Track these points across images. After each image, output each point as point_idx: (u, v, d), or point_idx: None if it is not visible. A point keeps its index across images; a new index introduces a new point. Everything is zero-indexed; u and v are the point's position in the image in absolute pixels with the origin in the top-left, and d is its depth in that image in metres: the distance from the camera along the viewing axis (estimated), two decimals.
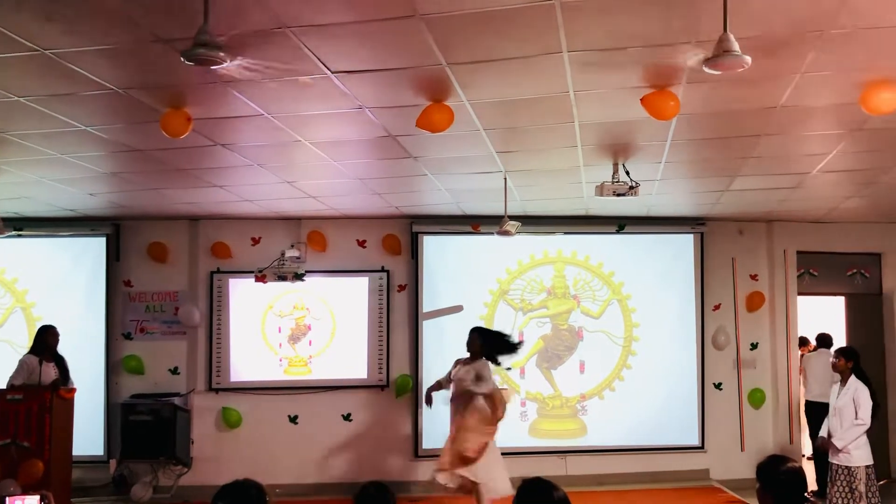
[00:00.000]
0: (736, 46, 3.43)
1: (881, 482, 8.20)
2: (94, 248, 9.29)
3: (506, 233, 7.71)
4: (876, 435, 7.59)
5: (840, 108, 5.23)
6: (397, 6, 3.63)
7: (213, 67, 3.63)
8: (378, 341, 9.42)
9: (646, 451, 9.44)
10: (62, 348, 7.99)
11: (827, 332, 9.57)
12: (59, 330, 8.01)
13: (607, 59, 4.33)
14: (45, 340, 7.76)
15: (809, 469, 10.11)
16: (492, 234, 8.18)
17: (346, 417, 9.40)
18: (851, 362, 6.80)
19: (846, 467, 6.67)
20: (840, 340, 9.58)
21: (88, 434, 8.69)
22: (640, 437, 9.45)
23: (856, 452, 6.64)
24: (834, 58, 4.32)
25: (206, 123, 5.40)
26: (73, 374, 7.95)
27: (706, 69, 3.56)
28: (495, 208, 8.09)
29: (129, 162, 6.59)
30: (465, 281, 9.53)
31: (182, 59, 3.48)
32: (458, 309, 9.49)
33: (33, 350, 7.77)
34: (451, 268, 9.53)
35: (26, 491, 6.36)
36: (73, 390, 7.76)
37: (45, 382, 7.47)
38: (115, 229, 9.30)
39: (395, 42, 4.08)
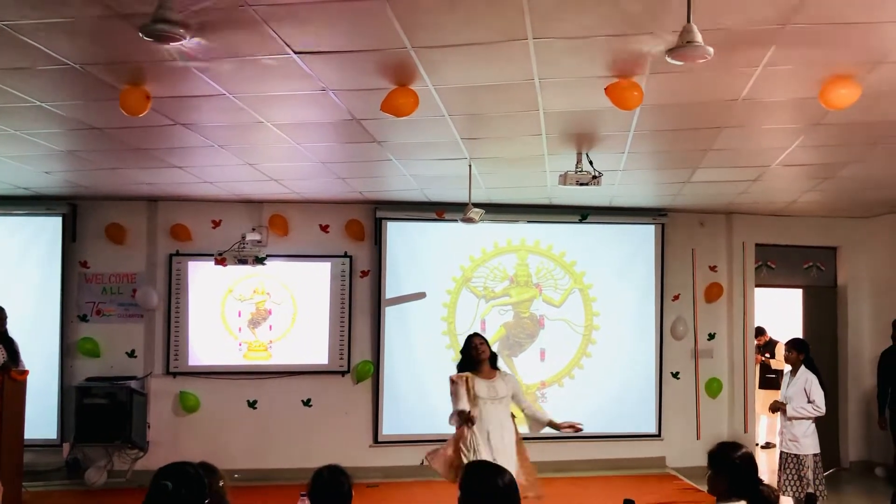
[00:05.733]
0: (699, 38, 3.45)
1: (831, 470, 8.43)
2: (49, 228, 9.08)
3: (470, 220, 7.70)
4: (826, 424, 7.79)
5: (800, 102, 5.30)
6: None
7: (172, 44, 3.55)
8: (339, 327, 9.38)
9: (604, 439, 9.54)
10: (16, 330, 7.81)
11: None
12: (13, 311, 7.82)
13: (572, 48, 4.34)
14: None
15: (762, 458, 10.37)
16: (456, 221, 8.18)
17: (306, 403, 9.35)
18: (803, 354, 6.98)
19: (795, 455, 6.84)
20: (797, 332, 9.78)
21: (41, 417, 8.51)
22: (599, 424, 9.51)
23: (805, 441, 6.82)
24: (794, 52, 4.38)
25: (166, 102, 5.29)
26: (26, 356, 7.78)
27: (669, 59, 3.58)
28: (460, 195, 8.09)
29: (86, 140, 6.44)
30: (428, 268, 9.52)
31: (141, 34, 3.41)
32: (421, 296, 9.49)
33: None
34: (415, 254, 9.52)
35: None
36: (25, 372, 7.59)
37: None
38: (71, 209, 9.11)
39: (360, 23, 4.03)
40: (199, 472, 2.79)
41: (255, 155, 6.98)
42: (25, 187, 8.42)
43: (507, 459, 5.78)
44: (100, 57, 4.51)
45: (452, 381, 5.98)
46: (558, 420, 6.15)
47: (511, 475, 2.97)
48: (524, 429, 6.24)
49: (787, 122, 5.89)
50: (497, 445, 5.80)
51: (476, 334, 6.27)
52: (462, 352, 6.20)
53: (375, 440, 9.36)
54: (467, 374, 5.95)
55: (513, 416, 6.09)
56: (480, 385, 5.90)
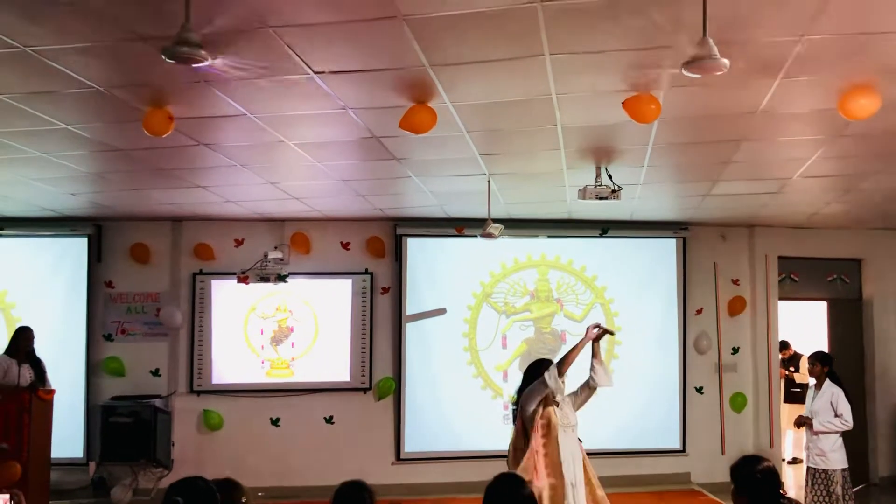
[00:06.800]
0: (715, 50, 3.46)
1: (860, 486, 8.29)
2: (75, 249, 9.22)
3: (489, 236, 7.72)
4: (855, 439, 7.67)
5: (819, 113, 5.28)
6: (379, 7, 3.64)
7: (194, 66, 3.62)
8: (361, 344, 9.41)
9: (627, 455, 9.45)
10: (42, 349, 7.92)
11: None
12: (40, 331, 7.94)
13: (589, 62, 4.36)
14: (18, 343, 7.69)
15: (789, 473, 10.22)
16: (475, 236, 8.19)
17: (329, 420, 9.37)
18: (827, 367, 6.88)
19: (823, 470, 6.73)
20: (821, 345, 9.67)
21: (68, 436, 8.61)
22: (622, 440, 9.47)
23: (832, 455, 6.71)
24: (813, 64, 4.37)
25: (189, 123, 5.38)
26: (52, 376, 7.89)
27: (685, 72, 3.59)
28: (479, 211, 8.11)
29: (111, 161, 6.55)
30: (448, 284, 9.54)
31: (163, 56, 3.47)
32: (441, 312, 9.50)
33: (8, 351, 7.70)
34: (435, 270, 9.54)
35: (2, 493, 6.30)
36: (52, 392, 7.70)
37: (21, 384, 7.41)
38: (96, 230, 9.25)
39: (378, 43, 4.09)
40: (211, 486, 2.82)
41: (276, 174, 7.06)
42: (52, 209, 8.56)
43: (579, 491, 5.48)
44: (124, 79, 4.61)
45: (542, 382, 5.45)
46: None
47: (531, 490, 2.98)
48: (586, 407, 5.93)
49: (808, 134, 5.86)
50: (570, 479, 5.45)
51: (551, 360, 5.83)
52: (530, 374, 5.74)
53: (398, 457, 9.35)
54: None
55: (580, 441, 5.74)
56: (555, 408, 5.54)
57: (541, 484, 5.30)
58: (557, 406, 5.55)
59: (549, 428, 5.41)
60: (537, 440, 5.43)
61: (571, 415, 5.66)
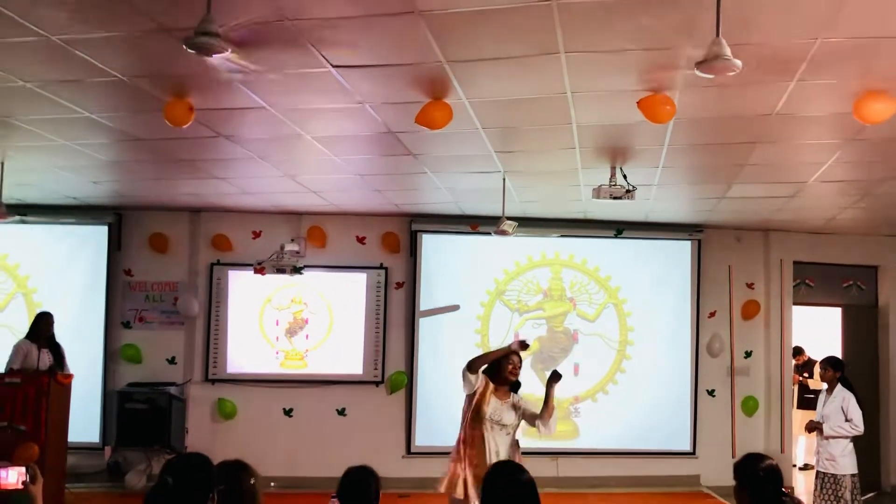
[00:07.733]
0: (727, 51, 3.49)
1: (870, 494, 8.25)
2: (95, 237, 9.36)
3: (503, 232, 7.76)
4: (867, 446, 7.64)
5: (835, 117, 5.28)
6: (397, 2, 3.70)
7: (214, 56, 3.69)
8: (374, 337, 9.49)
9: (637, 455, 9.48)
10: (61, 335, 8.05)
11: None
12: (59, 317, 8.07)
13: (604, 61, 4.39)
14: (39, 327, 7.82)
15: (800, 479, 10.17)
16: (490, 233, 8.24)
17: (341, 412, 9.46)
18: (839, 372, 6.87)
19: (832, 475, 6.72)
20: (835, 351, 9.63)
21: (84, 421, 8.75)
22: (632, 440, 9.49)
23: (842, 460, 6.69)
24: (829, 67, 4.38)
25: (209, 114, 5.46)
26: (71, 361, 8.00)
27: (698, 72, 3.62)
28: (494, 209, 8.15)
29: (132, 151, 6.66)
30: (462, 280, 9.59)
31: (184, 46, 3.55)
32: (454, 308, 9.55)
33: (29, 336, 7.84)
34: (450, 267, 9.59)
35: None
36: (70, 376, 7.81)
37: (40, 368, 7.54)
38: (117, 219, 9.38)
39: (396, 38, 4.15)
40: (207, 462, 2.80)
41: (294, 167, 7.14)
42: (74, 197, 8.70)
43: None
44: (146, 69, 4.70)
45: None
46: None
47: (529, 475, 3.01)
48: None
49: (824, 138, 5.86)
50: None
51: (517, 352, 5.53)
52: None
53: (408, 451, 9.42)
54: (492, 384, 5.35)
55: (517, 444, 5.50)
56: (493, 402, 5.27)
57: (463, 473, 5.22)
58: (500, 402, 5.32)
59: (477, 419, 5.25)
60: (466, 429, 5.32)
61: (507, 415, 5.31)
